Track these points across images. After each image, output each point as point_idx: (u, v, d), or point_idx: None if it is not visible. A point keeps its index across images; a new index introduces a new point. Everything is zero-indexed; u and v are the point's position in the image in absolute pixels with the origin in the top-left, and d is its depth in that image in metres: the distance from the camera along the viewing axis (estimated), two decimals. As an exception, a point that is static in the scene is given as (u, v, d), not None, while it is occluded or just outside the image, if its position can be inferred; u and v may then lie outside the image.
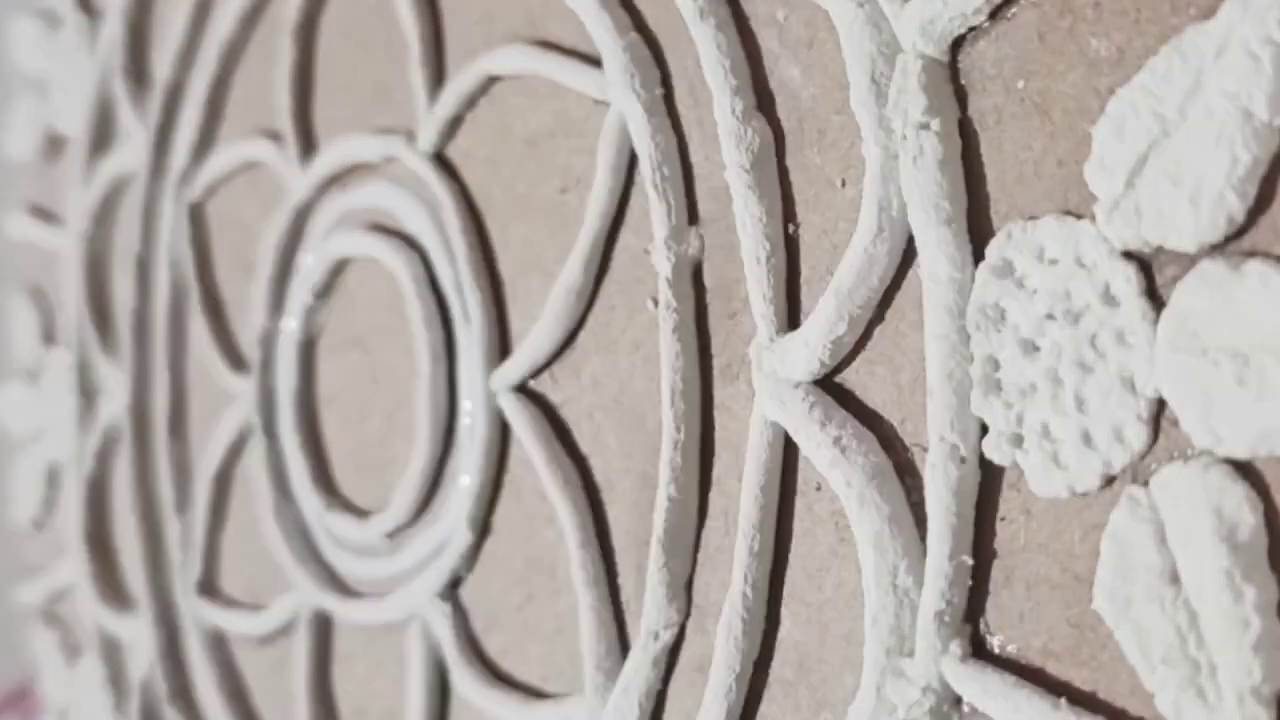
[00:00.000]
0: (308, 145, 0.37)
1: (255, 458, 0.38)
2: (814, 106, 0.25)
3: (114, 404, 0.44)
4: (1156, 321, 0.21)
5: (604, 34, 0.28)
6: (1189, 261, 0.20)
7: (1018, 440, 0.22)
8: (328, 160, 0.36)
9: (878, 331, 0.24)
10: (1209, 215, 0.20)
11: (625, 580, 0.28)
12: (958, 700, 0.23)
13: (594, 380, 0.29)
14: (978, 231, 0.23)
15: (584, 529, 0.29)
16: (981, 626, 0.23)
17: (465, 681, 0.31)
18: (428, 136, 0.33)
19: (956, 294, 0.23)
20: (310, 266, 0.37)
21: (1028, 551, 0.22)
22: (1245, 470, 0.20)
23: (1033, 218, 0.22)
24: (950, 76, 0.23)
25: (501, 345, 0.31)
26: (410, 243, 0.34)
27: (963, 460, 0.23)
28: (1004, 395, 0.22)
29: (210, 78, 0.40)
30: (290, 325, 0.37)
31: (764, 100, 0.26)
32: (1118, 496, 0.21)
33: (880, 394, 0.24)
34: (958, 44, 0.23)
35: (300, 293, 0.37)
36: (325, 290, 0.37)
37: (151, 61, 0.43)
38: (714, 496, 0.27)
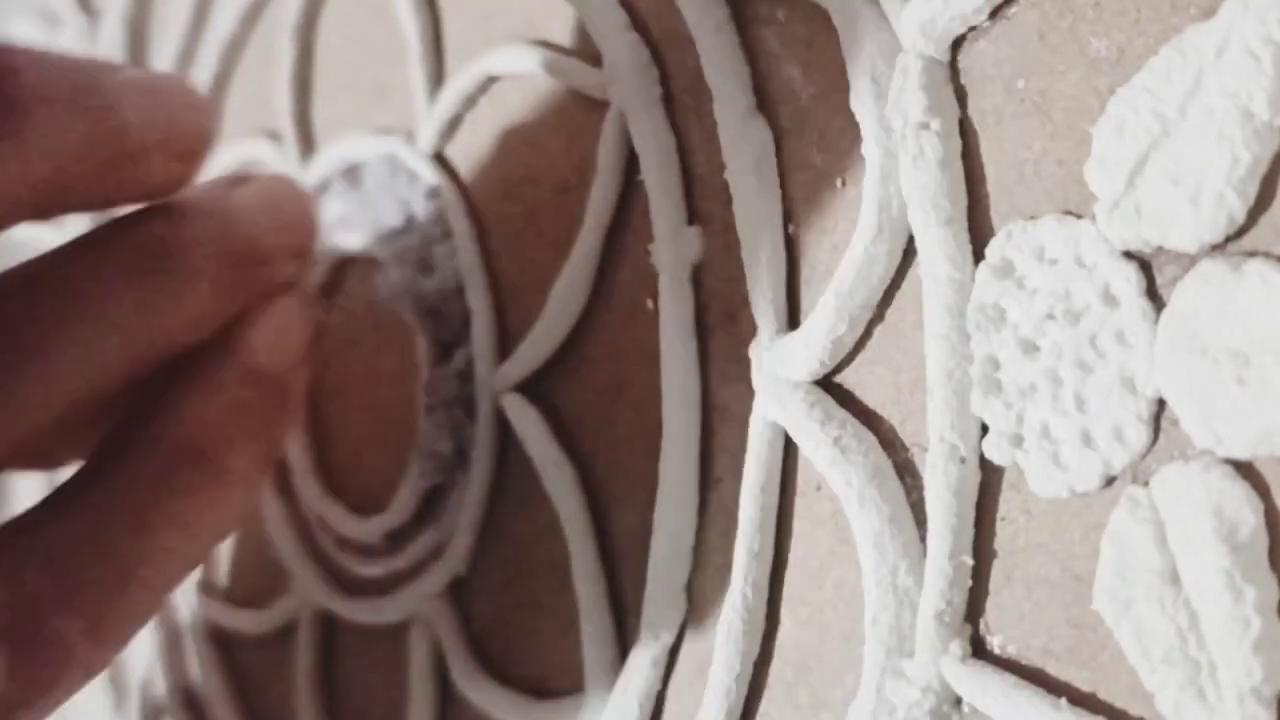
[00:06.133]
0: (307, 145, 0.37)
1: (255, 457, 0.38)
2: (814, 106, 0.25)
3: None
4: (1156, 321, 0.21)
5: (604, 34, 0.28)
6: (1189, 261, 0.20)
7: (1018, 440, 0.22)
8: (327, 160, 0.36)
9: (878, 331, 0.24)
10: (1209, 215, 0.20)
11: (625, 580, 0.28)
12: (958, 700, 0.23)
13: (594, 380, 0.29)
14: (978, 231, 0.23)
15: (584, 529, 0.29)
16: (981, 626, 0.23)
17: (466, 682, 0.31)
18: (427, 136, 0.33)
19: (956, 294, 0.23)
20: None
21: (1028, 551, 0.22)
22: (1245, 470, 0.20)
23: (1033, 218, 0.22)
24: (950, 76, 0.23)
25: (502, 345, 0.31)
26: (410, 242, 0.34)
27: (963, 460, 0.23)
28: (1004, 395, 0.22)
29: (210, 77, 0.40)
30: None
31: (764, 100, 0.26)
32: (1118, 496, 0.21)
33: (880, 394, 0.24)
34: (958, 44, 0.23)
35: (300, 293, 0.37)
36: (327, 290, 0.37)
37: (151, 61, 0.43)
38: (714, 496, 0.27)
